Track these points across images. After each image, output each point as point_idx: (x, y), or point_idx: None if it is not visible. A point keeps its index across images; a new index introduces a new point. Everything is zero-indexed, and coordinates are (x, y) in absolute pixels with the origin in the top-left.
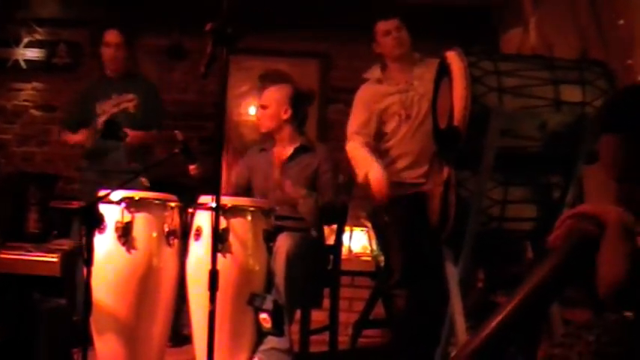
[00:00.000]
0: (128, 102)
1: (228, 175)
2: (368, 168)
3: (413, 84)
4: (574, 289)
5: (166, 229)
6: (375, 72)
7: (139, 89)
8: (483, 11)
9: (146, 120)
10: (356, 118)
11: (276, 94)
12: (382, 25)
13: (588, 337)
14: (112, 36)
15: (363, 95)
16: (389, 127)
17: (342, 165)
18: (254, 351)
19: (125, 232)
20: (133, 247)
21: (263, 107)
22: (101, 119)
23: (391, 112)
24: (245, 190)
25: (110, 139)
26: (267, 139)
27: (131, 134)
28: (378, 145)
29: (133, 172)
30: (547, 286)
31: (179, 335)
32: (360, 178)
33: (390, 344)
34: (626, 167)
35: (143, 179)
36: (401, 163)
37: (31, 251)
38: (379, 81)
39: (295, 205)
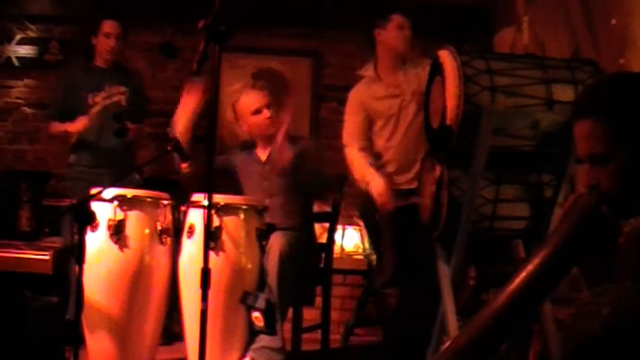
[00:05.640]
0: (120, 94)
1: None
2: (368, 179)
3: (401, 87)
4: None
5: (159, 227)
6: (369, 69)
7: (129, 82)
8: (476, 10)
9: (135, 113)
10: (351, 122)
11: (269, 98)
12: (400, 19)
13: (602, 309)
14: (111, 26)
15: (356, 97)
16: (377, 131)
17: (332, 162)
18: (246, 349)
19: (117, 230)
20: (126, 245)
21: (269, 107)
22: (94, 110)
23: (381, 116)
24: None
25: (118, 136)
26: (249, 139)
27: (132, 128)
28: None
29: (129, 169)
30: (546, 271)
31: (171, 333)
32: (361, 187)
33: (382, 343)
34: (600, 151)
35: (137, 176)
36: (390, 168)
37: (22, 249)
38: (372, 80)
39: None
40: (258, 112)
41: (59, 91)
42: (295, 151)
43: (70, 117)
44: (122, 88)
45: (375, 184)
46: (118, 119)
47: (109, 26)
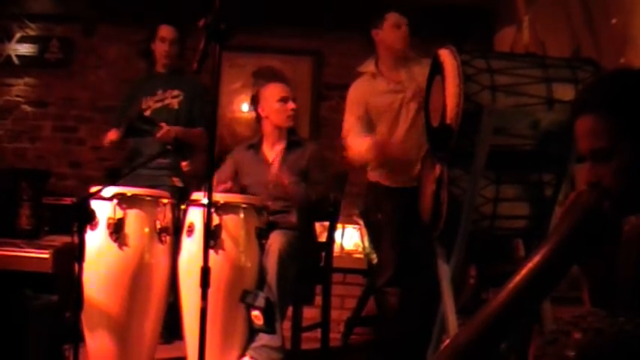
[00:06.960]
0: (173, 98)
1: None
2: (363, 146)
3: (404, 84)
4: (568, 284)
5: (158, 226)
6: (369, 66)
7: (185, 86)
8: (477, 10)
9: (190, 118)
10: (349, 116)
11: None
12: (396, 17)
13: (575, 333)
14: (166, 31)
15: (356, 93)
16: (379, 129)
17: (332, 162)
18: (245, 348)
19: (117, 229)
20: (125, 244)
21: (294, 100)
22: (144, 114)
23: (381, 111)
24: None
25: (136, 135)
26: (255, 135)
27: (165, 129)
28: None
29: (163, 169)
30: (547, 269)
31: (175, 330)
32: (364, 159)
33: (382, 342)
34: (602, 146)
35: (175, 179)
36: (392, 166)
37: (22, 247)
38: (373, 75)
39: (285, 193)
40: (284, 100)
41: (122, 99)
42: (300, 156)
43: None
44: (176, 92)
45: (367, 145)
46: (144, 120)
47: (164, 31)
